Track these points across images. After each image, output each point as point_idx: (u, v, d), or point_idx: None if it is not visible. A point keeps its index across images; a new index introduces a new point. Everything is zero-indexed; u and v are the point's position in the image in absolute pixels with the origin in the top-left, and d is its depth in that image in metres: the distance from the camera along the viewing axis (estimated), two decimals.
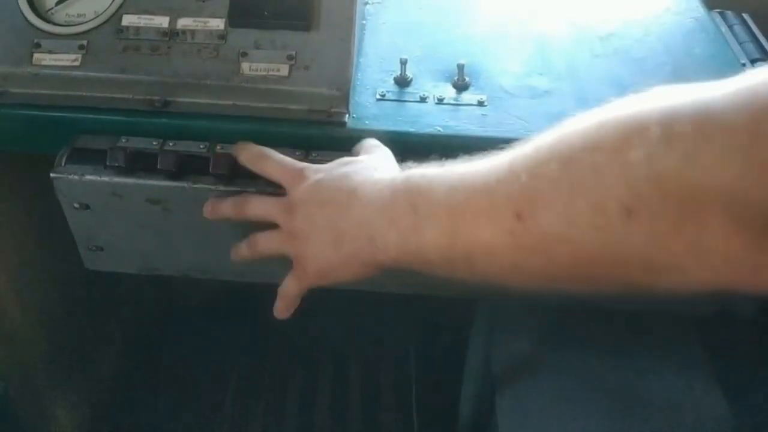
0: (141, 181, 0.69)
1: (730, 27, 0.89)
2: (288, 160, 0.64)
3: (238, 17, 0.71)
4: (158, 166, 0.68)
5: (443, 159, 0.54)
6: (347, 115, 0.71)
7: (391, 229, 0.53)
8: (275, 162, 0.64)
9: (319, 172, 0.61)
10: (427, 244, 0.51)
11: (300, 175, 0.61)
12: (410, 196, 0.52)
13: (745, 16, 0.91)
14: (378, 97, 0.74)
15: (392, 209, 0.53)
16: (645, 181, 0.39)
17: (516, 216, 0.45)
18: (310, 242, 0.59)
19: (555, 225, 0.43)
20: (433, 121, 0.71)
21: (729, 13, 0.91)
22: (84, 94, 0.71)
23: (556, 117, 0.70)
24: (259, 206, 0.64)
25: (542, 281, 0.48)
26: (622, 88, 0.75)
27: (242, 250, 0.66)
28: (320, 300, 1.43)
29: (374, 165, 0.60)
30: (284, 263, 0.76)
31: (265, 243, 0.64)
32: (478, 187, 0.48)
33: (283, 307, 0.65)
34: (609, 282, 0.45)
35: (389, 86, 0.75)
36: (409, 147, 0.70)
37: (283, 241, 0.62)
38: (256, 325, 1.53)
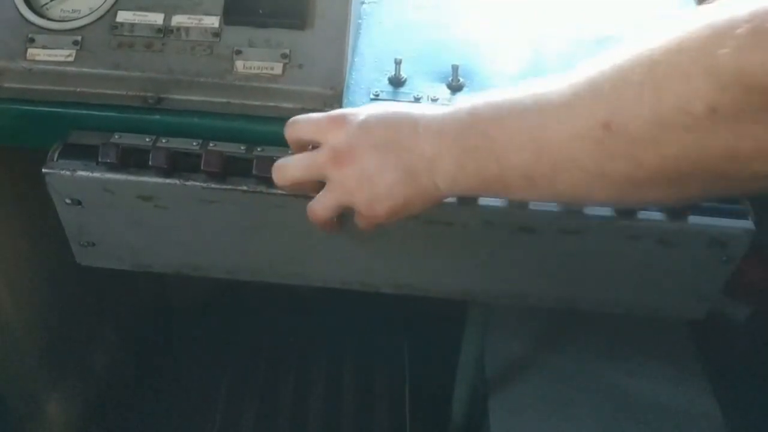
0: (133, 178, 0.69)
1: None
2: (314, 114, 0.61)
3: (232, 15, 0.71)
4: (150, 163, 0.68)
5: None
6: None
7: (468, 160, 0.53)
8: (303, 121, 0.61)
9: (359, 114, 0.59)
10: (510, 168, 0.52)
11: (337, 121, 0.59)
12: (483, 127, 0.53)
13: None
14: (372, 96, 0.73)
15: (465, 141, 0.53)
16: (730, 80, 0.40)
17: (603, 126, 0.46)
18: (375, 185, 0.57)
19: (643, 129, 0.45)
20: None
21: None
22: (77, 89, 0.71)
23: None
24: (299, 168, 0.61)
25: (626, 187, 0.49)
26: None
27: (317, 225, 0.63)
28: (314, 300, 1.43)
29: (401, 104, 0.60)
30: (279, 260, 0.76)
31: (323, 209, 0.62)
32: (556, 103, 0.49)
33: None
34: (694, 180, 0.47)
35: (383, 86, 0.75)
36: None
37: (342, 196, 0.59)
38: (249, 323, 1.54)
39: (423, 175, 0.56)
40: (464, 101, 0.56)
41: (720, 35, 0.41)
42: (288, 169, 0.62)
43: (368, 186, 0.57)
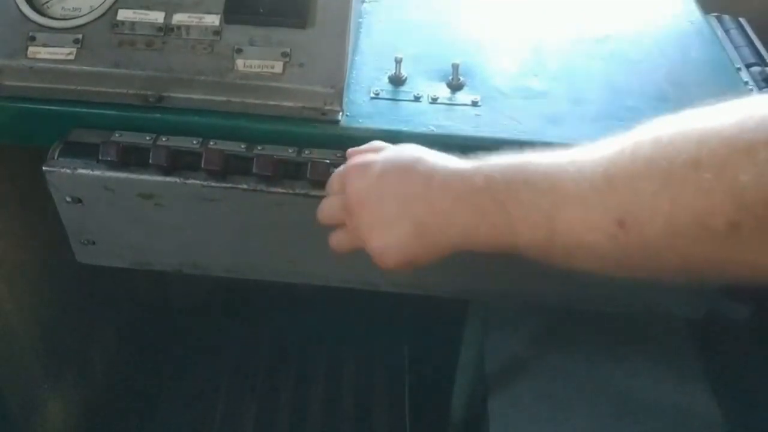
0: (133, 176, 0.69)
1: (727, 31, 0.89)
2: (341, 167, 0.63)
3: (233, 13, 0.71)
4: (151, 161, 0.68)
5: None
6: (341, 113, 0.71)
7: (482, 224, 0.53)
8: (334, 176, 0.63)
9: (377, 162, 0.59)
10: (524, 242, 0.52)
11: (357, 169, 0.60)
12: (499, 197, 0.52)
13: (742, 20, 0.91)
14: (372, 95, 0.74)
15: (480, 205, 0.53)
16: (753, 200, 0.40)
17: (618, 223, 0.46)
18: (387, 235, 0.57)
19: (659, 236, 0.44)
20: (426, 120, 0.71)
21: (726, 18, 0.92)
22: (78, 88, 0.71)
23: (550, 118, 0.71)
24: (325, 213, 0.64)
25: (646, 274, 0.49)
26: (617, 91, 0.75)
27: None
28: (313, 299, 1.43)
29: (423, 150, 0.59)
30: (279, 258, 0.76)
31: (338, 246, 0.64)
32: (571, 192, 0.48)
33: None
34: (715, 276, 0.47)
35: (384, 85, 0.75)
36: None
37: (355, 241, 0.61)
38: (249, 322, 1.54)
39: (435, 229, 0.56)
40: (482, 162, 0.55)
41: (740, 159, 0.40)
42: (319, 212, 0.64)
43: (380, 235, 0.58)
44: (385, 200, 0.58)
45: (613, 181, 0.46)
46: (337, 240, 0.64)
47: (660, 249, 0.45)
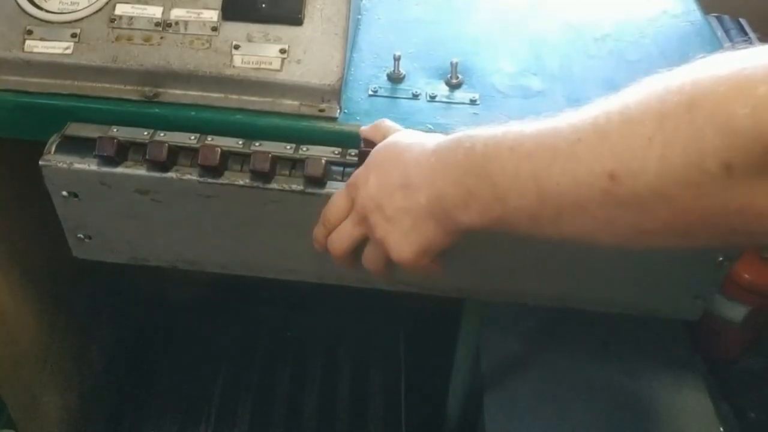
0: (129, 171, 0.68)
1: (727, 31, 0.89)
2: (334, 196, 0.63)
3: (231, 9, 0.71)
4: (147, 157, 0.67)
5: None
6: (338, 110, 0.71)
7: (471, 201, 0.53)
8: (331, 205, 0.63)
9: (367, 165, 0.60)
10: (513, 210, 0.51)
11: (351, 186, 0.61)
12: (484, 171, 0.51)
13: (742, 21, 0.91)
14: (370, 92, 0.73)
15: (465, 180, 0.53)
16: (748, 138, 0.39)
17: (609, 176, 0.45)
18: (398, 228, 0.58)
19: (651, 183, 0.43)
20: (424, 118, 0.71)
21: (726, 18, 0.91)
22: (75, 82, 0.71)
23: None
24: (344, 238, 0.63)
25: (633, 235, 0.48)
26: (616, 91, 0.75)
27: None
28: (309, 296, 1.42)
29: (408, 138, 0.59)
30: (275, 255, 0.76)
31: (375, 263, 0.64)
32: (561, 148, 0.47)
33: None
34: (704, 232, 0.45)
35: (382, 82, 0.75)
36: None
37: (377, 251, 0.62)
38: (245, 318, 1.54)
39: (438, 210, 0.56)
40: (461, 133, 0.54)
41: (736, 95, 0.39)
42: (334, 248, 0.63)
43: (394, 229, 0.58)
44: (391, 194, 0.58)
45: (603, 129, 0.45)
46: (371, 258, 0.63)
47: (651, 201, 0.44)
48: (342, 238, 0.63)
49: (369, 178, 0.59)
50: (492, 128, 0.53)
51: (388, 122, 0.65)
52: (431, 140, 0.57)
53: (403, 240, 0.58)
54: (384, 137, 0.62)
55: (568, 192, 0.47)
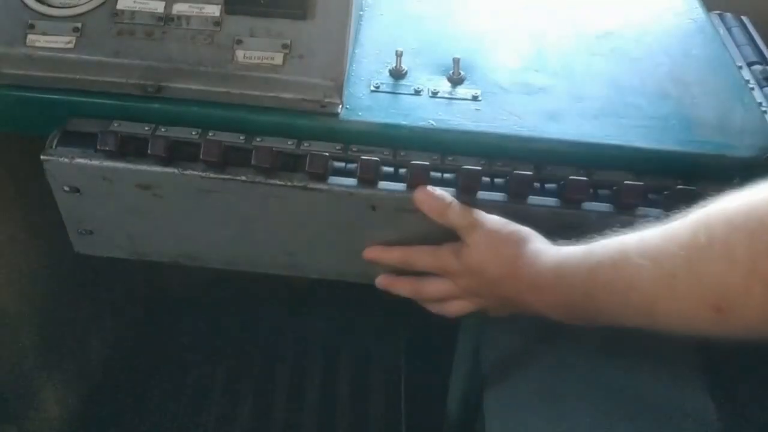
0: (131, 166, 0.68)
1: (729, 29, 0.88)
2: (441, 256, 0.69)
3: (233, 4, 0.71)
4: (149, 152, 0.67)
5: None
6: (340, 106, 0.70)
7: (576, 313, 0.61)
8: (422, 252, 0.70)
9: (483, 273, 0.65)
10: (627, 324, 0.57)
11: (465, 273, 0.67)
12: (589, 293, 0.57)
13: (744, 18, 0.91)
14: (372, 88, 0.73)
15: (573, 306, 0.60)
16: None
17: (715, 309, 0.48)
18: (492, 312, 0.71)
19: (759, 314, 0.46)
20: (426, 114, 0.71)
21: (728, 15, 0.91)
22: (77, 77, 0.71)
23: (550, 114, 0.71)
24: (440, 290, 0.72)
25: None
26: (618, 88, 0.75)
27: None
28: (310, 293, 1.42)
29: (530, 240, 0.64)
30: (276, 251, 0.76)
31: (461, 311, 0.73)
32: (659, 290, 0.51)
33: None
34: None
35: (384, 78, 0.75)
36: (401, 140, 0.70)
37: (474, 301, 0.71)
38: (245, 315, 1.54)
39: (543, 310, 0.64)
40: (570, 257, 0.60)
41: None
42: (427, 294, 0.74)
43: (496, 310, 0.71)
44: (487, 283, 0.65)
45: (697, 269, 0.48)
46: (459, 308, 0.71)
47: (758, 327, 0.47)
48: (437, 292, 0.71)
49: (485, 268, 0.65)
50: (583, 261, 0.58)
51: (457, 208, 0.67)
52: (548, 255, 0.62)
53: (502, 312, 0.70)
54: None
55: (678, 321, 0.53)
